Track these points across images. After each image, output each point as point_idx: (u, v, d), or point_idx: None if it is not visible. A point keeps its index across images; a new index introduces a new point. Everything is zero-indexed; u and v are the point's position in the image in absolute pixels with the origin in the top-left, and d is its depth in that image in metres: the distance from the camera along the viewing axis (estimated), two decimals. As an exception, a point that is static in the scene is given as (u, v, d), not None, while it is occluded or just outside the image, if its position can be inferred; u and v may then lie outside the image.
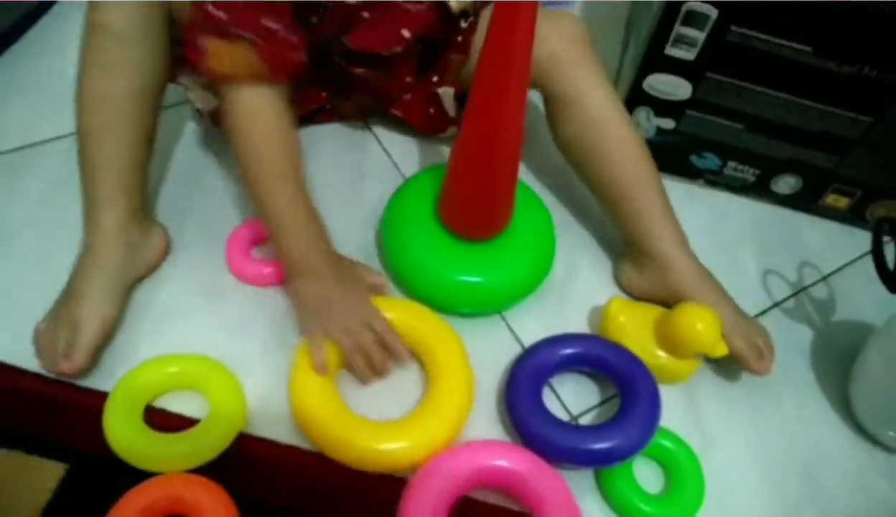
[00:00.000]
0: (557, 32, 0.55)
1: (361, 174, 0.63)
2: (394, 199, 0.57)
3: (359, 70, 0.57)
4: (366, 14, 0.53)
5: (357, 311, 0.50)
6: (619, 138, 0.55)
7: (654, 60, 0.58)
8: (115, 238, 0.51)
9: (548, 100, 0.57)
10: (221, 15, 0.46)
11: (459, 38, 0.57)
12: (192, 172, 0.61)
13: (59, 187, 0.56)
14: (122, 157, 0.51)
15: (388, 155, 0.65)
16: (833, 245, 0.65)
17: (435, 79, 0.60)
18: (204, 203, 0.59)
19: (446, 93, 0.60)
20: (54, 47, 0.68)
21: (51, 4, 0.72)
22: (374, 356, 0.49)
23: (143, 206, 0.54)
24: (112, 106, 0.51)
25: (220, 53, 0.46)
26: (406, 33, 0.54)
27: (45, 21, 0.71)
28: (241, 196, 0.59)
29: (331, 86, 0.62)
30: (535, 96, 0.59)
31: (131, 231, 0.52)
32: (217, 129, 0.60)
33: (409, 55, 0.58)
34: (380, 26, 0.54)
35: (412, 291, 0.55)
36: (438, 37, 0.57)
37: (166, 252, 0.55)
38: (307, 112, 0.63)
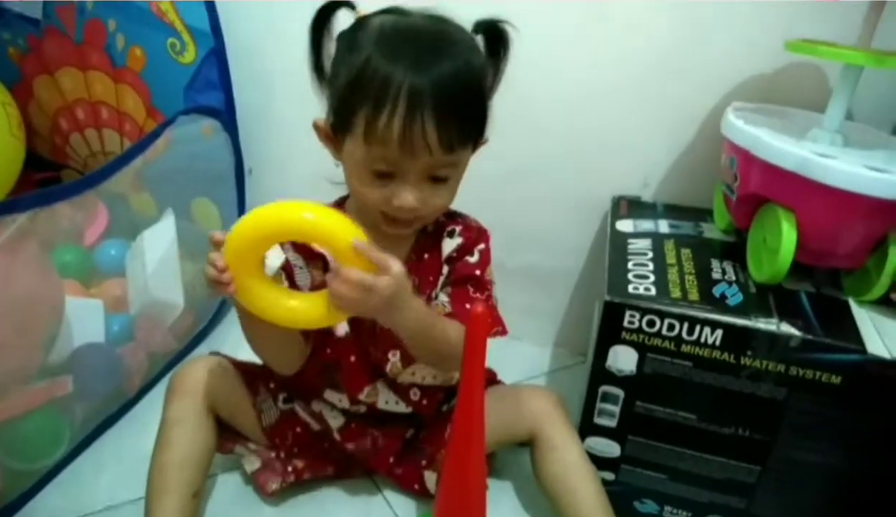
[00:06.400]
0: (538, 397, 0.77)
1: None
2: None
3: (350, 445, 0.78)
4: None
5: None
6: (588, 478, 0.73)
7: (588, 427, 0.78)
8: None
9: (533, 447, 0.76)
10: None
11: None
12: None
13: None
14: (170, 509, 0.69)
15: (389, 504, 0.81)
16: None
17: (423, 462, 0.80)
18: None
19: (430, 476, 0.79)
20: (135, 433, 0.89)
21: (135, 402, 0.95)
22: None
23: None
24: (167, 473, 0.70)
25: None
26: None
27: (131, 414, 0.93)
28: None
29: (334, 463, 0.81)
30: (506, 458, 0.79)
31: None
32: (257, 483, 0.79)
33: (393, 440, 0.79)
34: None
35: None
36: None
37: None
38: (318, 478, 0.81)
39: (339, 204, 0.76)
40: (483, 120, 0.67)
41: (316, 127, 0.70)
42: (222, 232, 0.61)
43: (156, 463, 0.71)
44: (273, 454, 0.80)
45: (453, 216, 0.76)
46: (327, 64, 0.69)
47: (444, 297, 0.73)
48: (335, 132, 0.67)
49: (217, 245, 0.60)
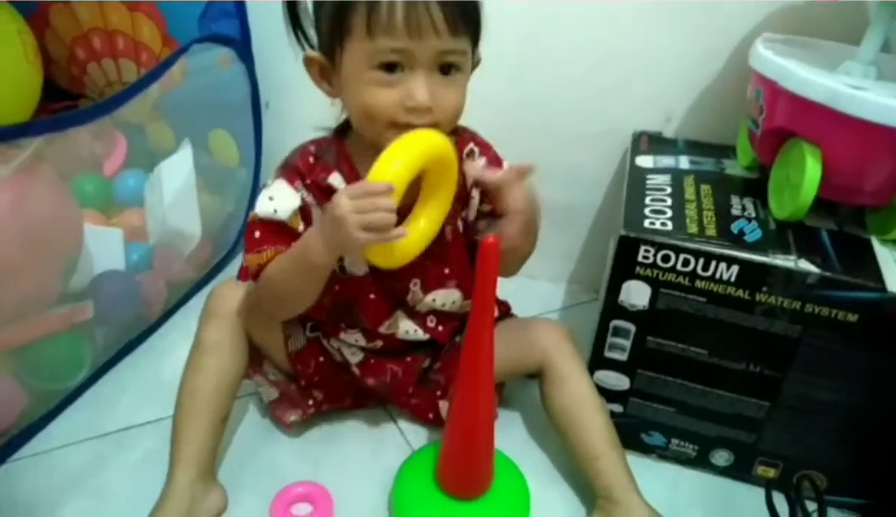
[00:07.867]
0: (547, 330, 0.78)
1: (379, 447, 0.81)
2: (403, 466, 0.75)
3: (370, 380, 0.79)
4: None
5: (337, 211, 0.59)
6: (596, 410, 0.74)
7: (599, 361, 0.78)
8: (183, 492, 0.68)
9: (542, 378, 0.77)
10: None
11: None
12: (253, 446, 0.80)
13: (153, 456, 0.74)
14: (200, 433, 0.71)
15: (402, 433, 0.83)
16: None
17: (438, 393, 0.81)
18: (259, 470, 0.77)
19: (444, 405, 0.80)
20: (155, 358, 0.92)
21: (155, 329, 0.97)
22: (365, 220, 0.58)
23: (211, 469, 0.72)
24: (199, 398, 0.72)
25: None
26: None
27: (151, 340, 0.95)
28: (288, 465, 0.78)
29: (351, 394, 0.83)
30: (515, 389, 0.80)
31: (197, 487, 0.69)
32: (275, 415, 0.81)
33: (411, 372, 0.80)
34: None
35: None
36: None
37: (223, 509, 0.72)
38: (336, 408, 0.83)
39: (340, 136, 0.72)
40: (479, 21, 0.65)
41: (308, 60, 0.67)
42: (384, 183, 0.58)
43: (187, 387, 0.72)
44: (293, 385, 0.81)
45: (460, 132, 0.73)
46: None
47: (483, 224, 0.73)
48: (331, 52, 0.65)
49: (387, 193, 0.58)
